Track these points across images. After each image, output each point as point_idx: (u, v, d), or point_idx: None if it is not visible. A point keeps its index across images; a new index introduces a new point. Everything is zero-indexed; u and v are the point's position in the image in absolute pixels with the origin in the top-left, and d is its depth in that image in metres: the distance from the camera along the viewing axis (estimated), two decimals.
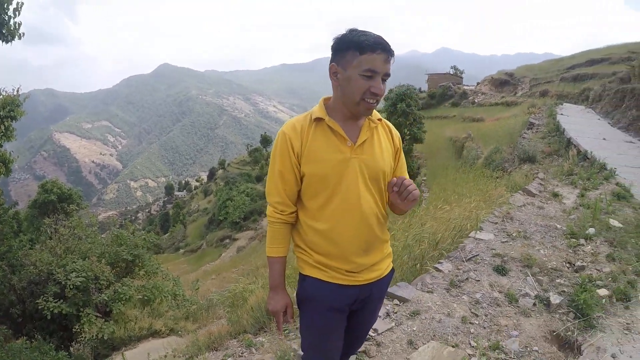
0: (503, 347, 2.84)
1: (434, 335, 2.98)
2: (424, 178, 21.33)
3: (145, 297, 7.71)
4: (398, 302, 3.42)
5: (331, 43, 1.56)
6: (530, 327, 3.11)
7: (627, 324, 3.10)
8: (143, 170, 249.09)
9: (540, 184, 7.63)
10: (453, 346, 2.80)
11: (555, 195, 6.83)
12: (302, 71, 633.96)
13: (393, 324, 3.10)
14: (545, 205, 6.30)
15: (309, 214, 1.66)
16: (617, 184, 7.04)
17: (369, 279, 1.70)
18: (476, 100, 36.07)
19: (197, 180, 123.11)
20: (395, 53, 1.54)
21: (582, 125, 13.16)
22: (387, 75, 1.52)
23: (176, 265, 31.63)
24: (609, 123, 13.95)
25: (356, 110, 1.56)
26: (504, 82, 39.72)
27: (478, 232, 4.97)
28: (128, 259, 8.08)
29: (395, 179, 1.62)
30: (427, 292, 3.61)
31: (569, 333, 3.01)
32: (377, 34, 1.49)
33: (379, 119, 1.71)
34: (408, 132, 26.12)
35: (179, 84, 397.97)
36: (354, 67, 1.49)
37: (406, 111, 25.19)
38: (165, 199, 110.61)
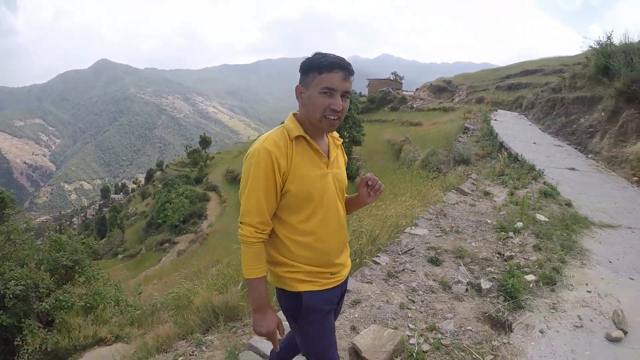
0: (439, 328, 3.12)
1: (374, 320, 3.21)
2: None
3: (88, 304, 7.47)
4: None
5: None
6: (463, 310, 3.41)
7: (553, 304, 3.48)
8: (78, 172, 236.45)
9: (473, 183, 8.10)
10: (393, 328, 3.04)
11: (487, 193, 7.30)
12: (244, 72, 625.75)
13: None
14: (477, 203, 6.74)
15: (291, 230, 1.70)
16: (544, 183, 7.59)
17: (345, 274, 1.89)
18: (415, 105, 37.29)
19: (134, 183, 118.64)
20: None
21: (515, 130, 13.89)
22: (347, 92, 1.63)
23: (115, 271, 30.27)
24: (539, 129, 14.70)
25: (319, 127, 1.66)
26: (442, 88, 41.28)
27: (413, 227, 5.30)
28: (68, 265, 7.78)
29: (369, 174, 1.83)
30: (367, 282, 3.85)
31: (500, 314, 3.33)
32: (337, 55, 1.63)
33: (340, 138, 1.91)
34: (347, 134, 26.69)
35: (117, 81, 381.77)
36: (314, 86, 1.61)
37: (346, 114, 25.69)
38: (101, 202, 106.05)
